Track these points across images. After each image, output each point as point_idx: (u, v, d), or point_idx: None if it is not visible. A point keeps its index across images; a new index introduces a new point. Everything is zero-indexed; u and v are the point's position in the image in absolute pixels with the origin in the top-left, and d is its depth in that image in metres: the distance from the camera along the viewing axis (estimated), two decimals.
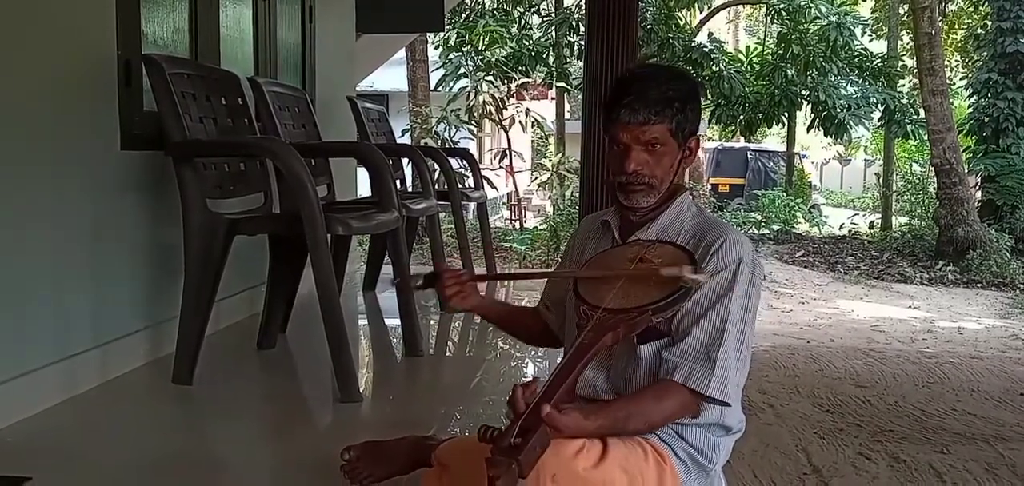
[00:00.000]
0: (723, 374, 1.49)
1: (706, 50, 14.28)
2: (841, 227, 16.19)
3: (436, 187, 4.22)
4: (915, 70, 13.66)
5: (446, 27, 12.22)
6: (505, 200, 16.24)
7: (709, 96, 14.58)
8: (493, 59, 14.09)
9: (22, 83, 2.28)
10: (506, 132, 13.88)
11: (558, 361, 1.77)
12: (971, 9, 17.02)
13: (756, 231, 15.13)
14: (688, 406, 1.51)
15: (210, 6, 3.28)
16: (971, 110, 13.72)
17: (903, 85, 16.09)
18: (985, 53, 13.71)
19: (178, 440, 2.31)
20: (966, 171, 12.60)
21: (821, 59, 14.10)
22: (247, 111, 3.08)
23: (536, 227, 13.29)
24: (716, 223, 1.64)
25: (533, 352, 3.14)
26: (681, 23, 15.38)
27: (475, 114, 13.44)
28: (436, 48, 14.79)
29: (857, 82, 14.59)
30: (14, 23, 2.25)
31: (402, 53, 12.83)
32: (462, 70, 14.13)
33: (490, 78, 13.53)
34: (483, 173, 6.14)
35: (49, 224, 2.41)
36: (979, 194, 13.35)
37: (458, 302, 1.70)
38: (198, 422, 2.51)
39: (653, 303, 1.45)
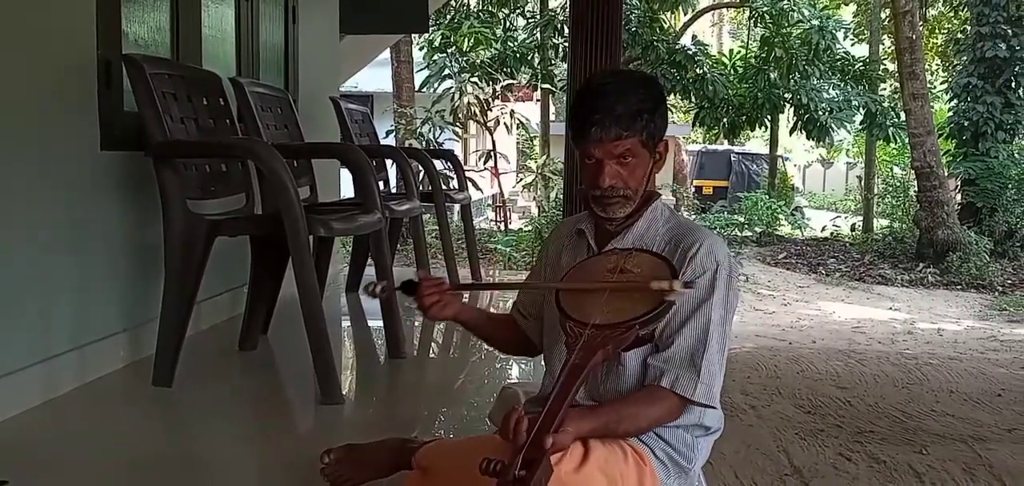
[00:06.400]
0: (709, 379, 1.51)
1: (690, 53, 14.35)
2: (823, 229, 16.32)
3: (420, 188, 4.22)
4: (896, 74, 13.79)
5: (430, 28, 12.21)
6: (490, 202, 16.23)
7: (693, 99, 14.65)
8: (478, 60, 14.10)
9: (1, 84, 2.26)
10: (491, 134, 13.88)
11: (544, 372, 1.77)
12: (951, 14, 17.20)
13: (739, 233, 15.23)
14: (674, 410, 1.53)
15: (192, 6, 3.26)
16: (951, 114, 13.89)
17: (884, 89, 16.26)
18: (965, 58, 13.88)
19: (158, 442, 2.29)
20: (946, 174, 12.73)
21: (804, 62, 14.20)
22: (229, 112, 3.06)
23: (521, 229, 13.30)
24: (690, 227, 1.65)
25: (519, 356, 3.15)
26: (665, 26, 15.45)
27: (460, 115, 13.43)
28: (420, 49, 14.77)
29: (839, 85, 14.71)
30: None
31: (386, 54, 12.80)
32: (447, 71, 14.12)
33: (475, 79, 13.53)
34: (467, 174, 6.14)
35: (28, 225, 2.38)
36: (959, 197, 13.50)
37: (437, 312, 1.66)
38: (178, 424, 2.50)
39: (639, 317, 1.45)
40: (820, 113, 14.28)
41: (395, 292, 1.67)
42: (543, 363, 1.78)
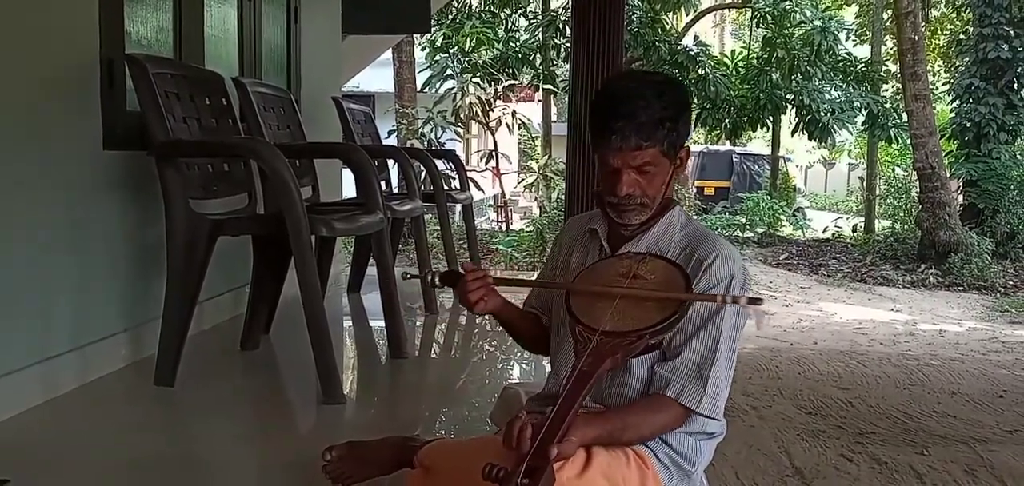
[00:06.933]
0: (715, 392, 1.50)
1: (692, 53, 14.37)
2: (825, 230, 16.31)
3: (422, 188, 4.21)
4: (898, 75, 13.78)
5: (432, 28, 12.21)
6: (492, 202, 16.23)
7: (695, 99, 14.66)
8: (480, 61, 14.11)
9: (3, 83, 2.26)
10: (492, 134, 13.88)
11: (547, 370, 1.76)
12: (953, 15, 17.19)
13: (741, 234, 15.22)
14: (678, 420, 1.52)
15: (194, 6, 3.26)
16: (953, 115, 13.87)
17: (886, 90, 16.25)
18: (967, 59, 13.87)
19: (159, 442, 2.29)
20: (948, 175, 12.73)
21: (805, 63, 14.21)
22: (231, 111, 3.06)
23: (522, 229, 13.30)
24: (706, 235, 1.63)
25: (519, 355, 3.15)
26: (667, 27, 15.45)
27: (461, 116, 13.44)
28: (422, 50, 14.78)
29: (841, 86, 14.72)
30: None
31: (388, 54, 12.81)
32: (449, 72, 14.14)
33: (477, 80, 13.54)
34: (469, 175, 6.13)
35: (29, 225, 2.39)
36: (961, 198, 13.49)
37: (482, 307, 1.61)
38: (180, 423, 2.50)
39: (651, 327, 1.44)
40: (822, 114, 14.28)
41: (434, 286, 1.67)
42: (549, 361, 1.77)
